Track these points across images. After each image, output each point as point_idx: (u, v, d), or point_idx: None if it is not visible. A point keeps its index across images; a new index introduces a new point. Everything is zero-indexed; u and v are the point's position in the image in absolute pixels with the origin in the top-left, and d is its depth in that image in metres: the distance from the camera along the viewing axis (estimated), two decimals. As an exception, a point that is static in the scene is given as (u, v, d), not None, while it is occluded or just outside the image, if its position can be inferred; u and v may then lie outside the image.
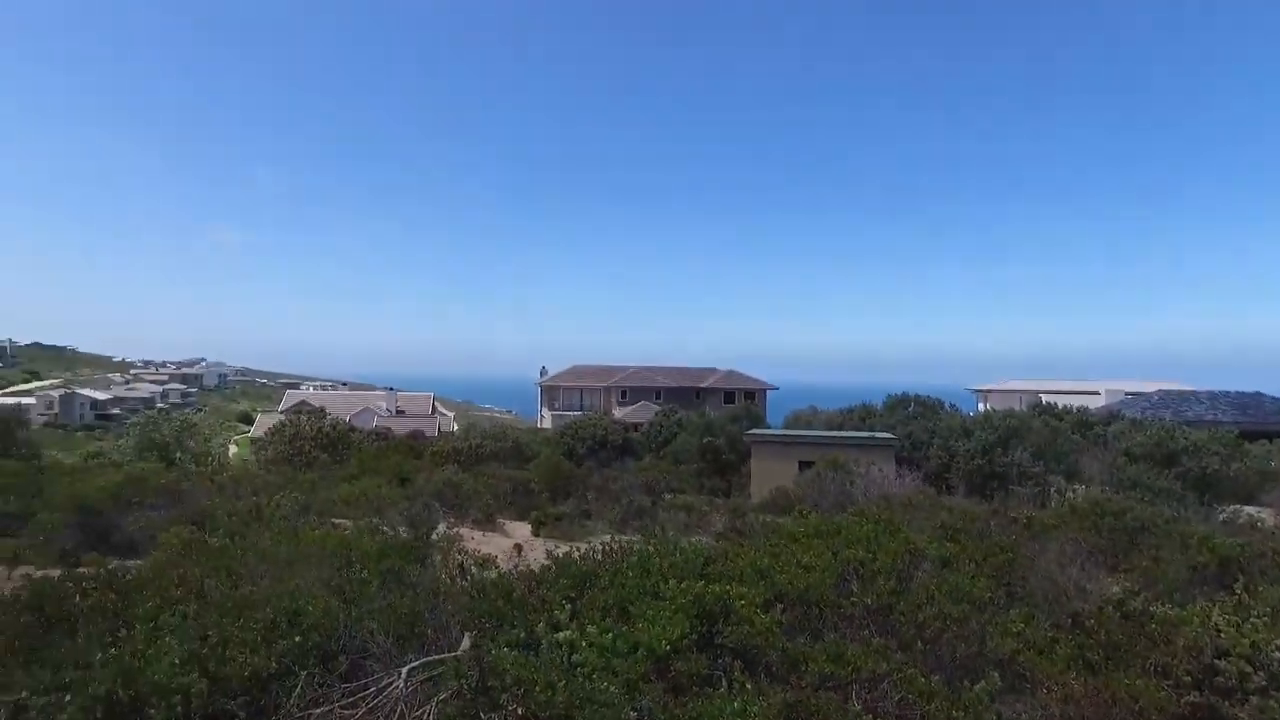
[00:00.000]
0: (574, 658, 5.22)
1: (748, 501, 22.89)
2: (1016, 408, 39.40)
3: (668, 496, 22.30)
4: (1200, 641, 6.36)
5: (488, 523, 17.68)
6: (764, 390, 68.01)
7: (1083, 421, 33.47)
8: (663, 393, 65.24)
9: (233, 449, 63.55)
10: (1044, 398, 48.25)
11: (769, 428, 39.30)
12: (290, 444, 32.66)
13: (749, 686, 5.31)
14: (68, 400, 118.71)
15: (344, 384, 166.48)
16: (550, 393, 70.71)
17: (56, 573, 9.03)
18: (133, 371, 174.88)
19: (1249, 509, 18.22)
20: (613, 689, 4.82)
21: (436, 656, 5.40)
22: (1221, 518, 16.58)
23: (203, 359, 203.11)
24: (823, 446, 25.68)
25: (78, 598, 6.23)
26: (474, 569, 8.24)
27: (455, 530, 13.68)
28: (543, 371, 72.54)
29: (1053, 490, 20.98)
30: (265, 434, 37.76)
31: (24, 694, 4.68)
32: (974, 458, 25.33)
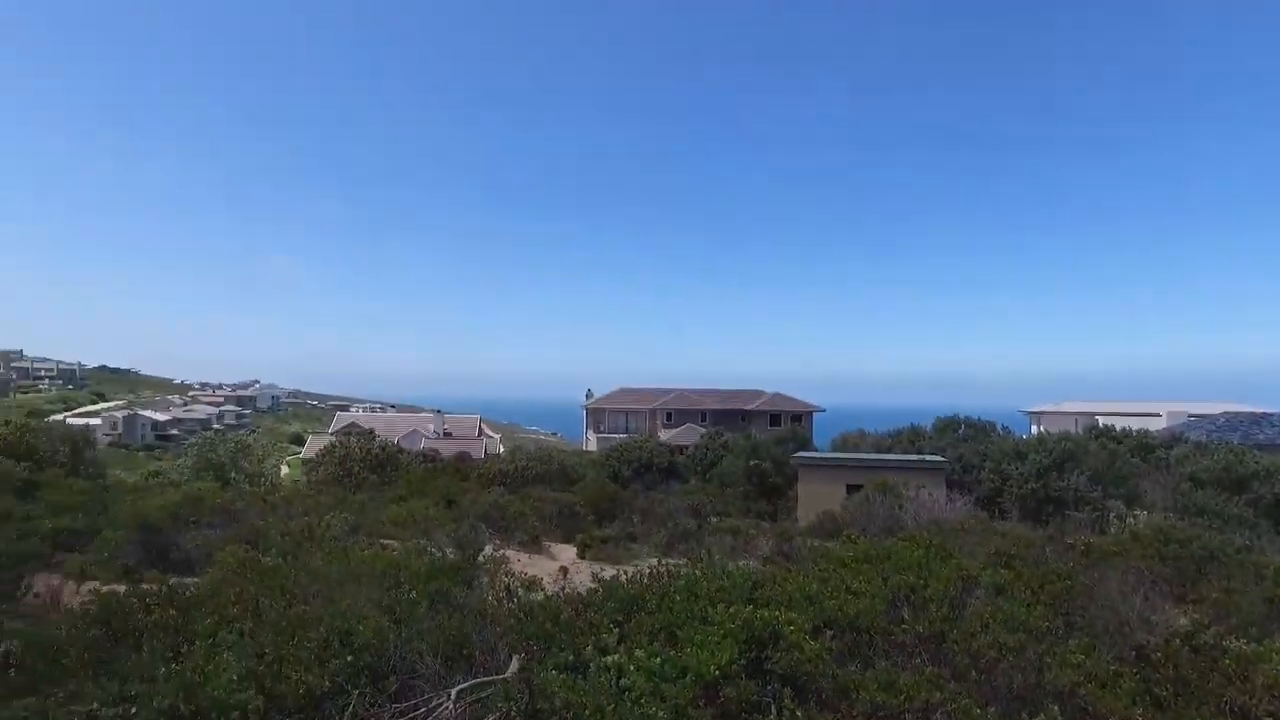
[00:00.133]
0: (622, 682, 5.19)
1: (795, 525, 22.60)
2: (1072, 430, 38.29)
3: (714, 520, 22.13)
4: (1280, 679, 6.05)
5: (533, 545, 17.74)
6: (810, 412, 67.25)
7: (1143, 444, 32.38)
8: (708, 415, 64.98)
9: (284, 469, 64.97)
10: (1101, 420, 46.76)
11: (816, 450, 38.82)
12: (340, 465, 33.26)
13: (799, 714, 5.22)
14: (130, 421, 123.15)
15: (392, 406, 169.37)
16: (596, 415, 70.95)
17: (120, 588, 9.34)
18: (191, 394, 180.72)
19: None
20: (661, 714, 4.79)
21: (485, 678, 5.43)
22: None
23: (256, 381, 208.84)
24: (871, 469, 25.27)
25: (141, 613, 6.43)
26: (520, 591, 8.29)
27: (501, 552, 13.76)
28: (588, 394, 72.88)
29: (1112, 516, 20.30)
30: (316, 455, 38.54)
31: (95, 705, 4.85)
32: (1028, 481, 24.65)
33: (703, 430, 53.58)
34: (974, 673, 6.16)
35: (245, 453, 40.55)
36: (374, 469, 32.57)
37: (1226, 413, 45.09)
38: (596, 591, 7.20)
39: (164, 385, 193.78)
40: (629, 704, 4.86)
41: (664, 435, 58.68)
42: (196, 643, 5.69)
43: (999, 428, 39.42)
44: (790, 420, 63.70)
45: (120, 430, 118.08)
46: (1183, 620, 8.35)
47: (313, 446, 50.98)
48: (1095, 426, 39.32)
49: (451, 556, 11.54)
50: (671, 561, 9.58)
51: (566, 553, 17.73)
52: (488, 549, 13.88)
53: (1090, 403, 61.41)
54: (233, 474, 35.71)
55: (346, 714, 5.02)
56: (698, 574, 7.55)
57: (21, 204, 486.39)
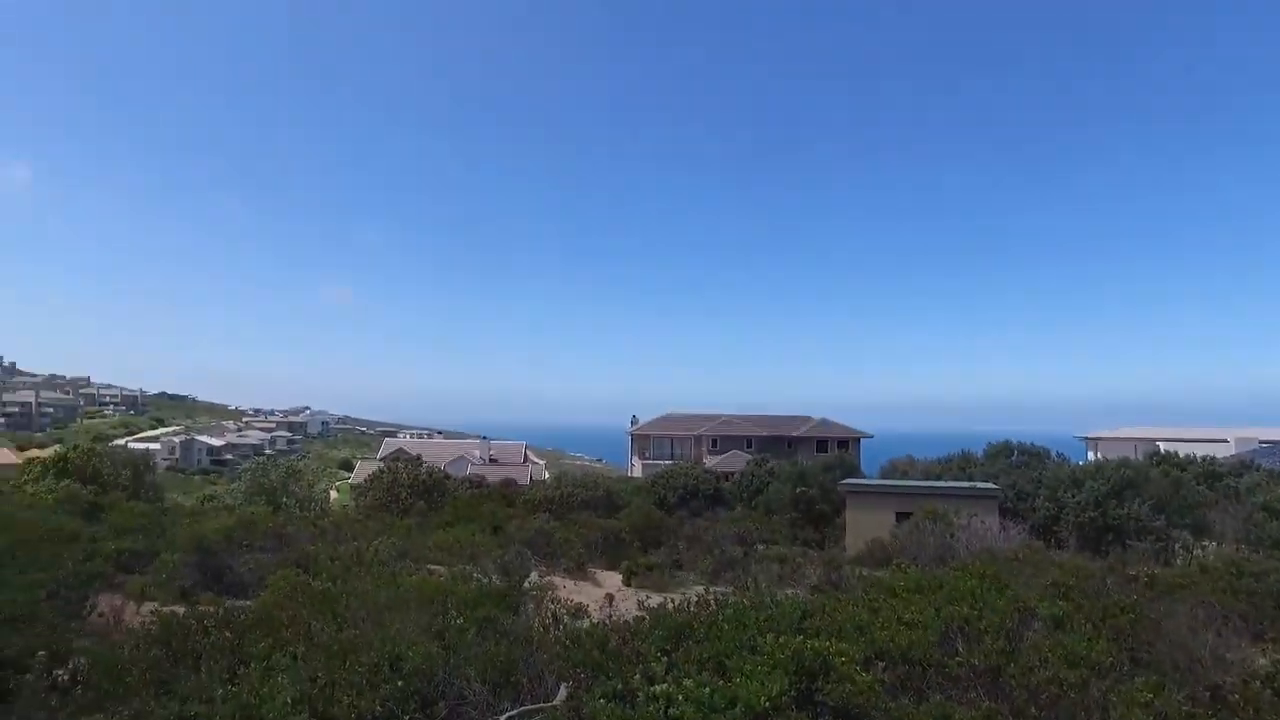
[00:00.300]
0: (671, 712, 5.14)
1: (843, 554, 22.19)
2: (1131, 457, 37.03)
3: (760, 547, 21.88)
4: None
5: (579, 571, 17.74)
6: (858, 439, 66.23)
7: (1210, 472, 31.15)
8: (754, 441, 64.44)
9: (334, 494, 66.15)
10: (1162, 446, 45.15)
11: (864, 477, 38.16)
12: (388, 491, 33.75)
13: (852, 749, 5.10)
14: (187, 446, 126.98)
15: (439, 432, 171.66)
16: (641, 441, 70.88)
17: (178, 609, 9.58)
18: (244, 419, 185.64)
19: None
20: (710, 746, 4.72)
21: (533, 706, 5.43)
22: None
23: (307, 408, 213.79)
24: (921, 497, 24.73)
25: (200, 635, 6.59)
26: (567, 618, 8.28)
27: (547, 579, 13.78)
28: (633, 420, 72.87)
29: (1177, 547, 19.51)
30: (365, 480, 39.20)
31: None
32: (1085, 510, 23.87)
33: (748, 457, 53.11)
34: (1033, 709, 5.95)
35: (296, 478, 41.37)
36: (421, 495, 32.98)
37: (1299, 439, 43.18)
38: (643, 619, 7.16)
39: (219, 411, 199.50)
40: (678, 734, 4.81)
41: (709, 462, 58.32)
42: (252, 665, 5.81)
43: (1053, 454, 38.33)
44: (837, 446, 62.80)
45: (178, 455, 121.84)
46: (1262, 660, 7.93)
47: (361, 472, 51.81)
48: (1156, 453, 37.98)
49: (498, 583, 11.60)
50: (718, 590, 9.49)
51: (612, 580, 17.67)
52: (533, 575, 13.92)
53: (1150, 428, 59.34)
54: (284, 498, 36.42)
55: (396, 739, 5.06)
56: (746, 603, 7.46)
57: (89, 239, 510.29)
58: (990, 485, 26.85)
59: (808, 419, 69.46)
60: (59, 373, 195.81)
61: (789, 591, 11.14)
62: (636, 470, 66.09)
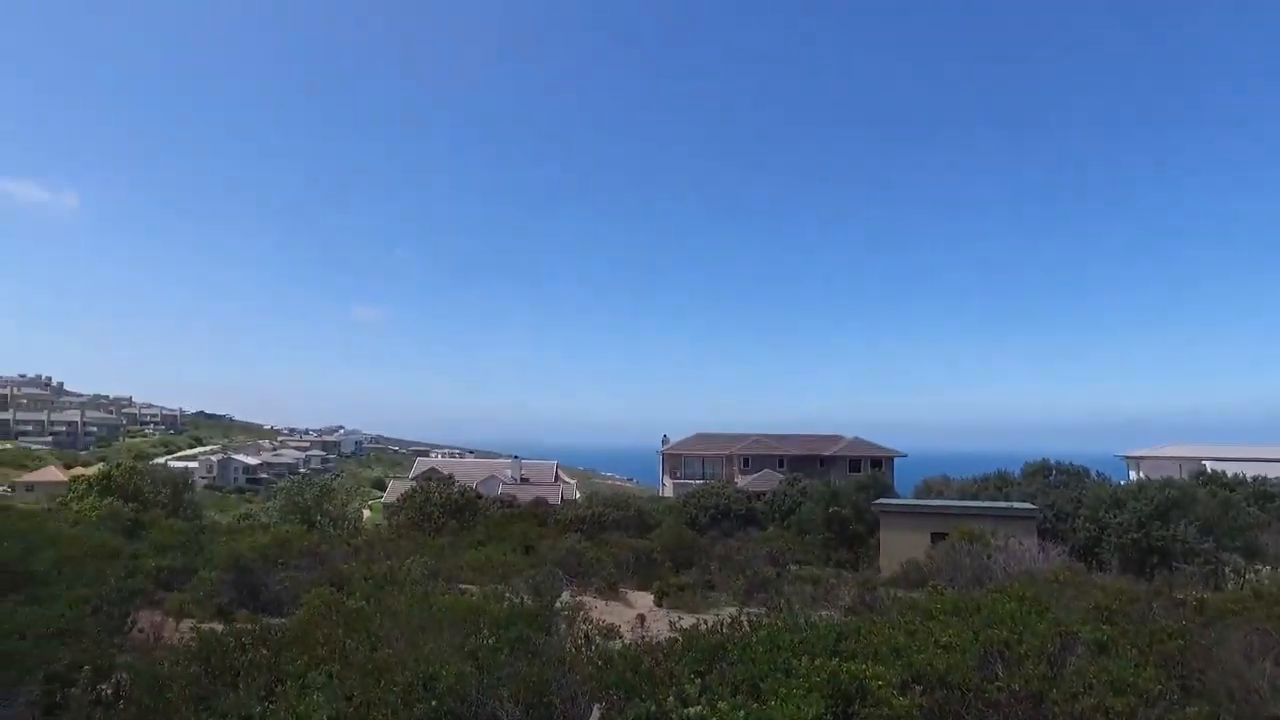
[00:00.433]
0: (705, 735, 5.09)
1: (877, 575, 21.86)
2: (1175, 476, 36.05)
3: (793, 568, 21.64)
4: None
5: (610, 592, 17.65)
6: (891, 458, 65.37)
7: (1261, 493, 30.24)
8: (786, 461, 63.94)
9: (366, 513, 66.73)
10: (1209, 465, 43.92)
11: (897, 497, 37.64)
12: (420, 510, 33.98)
13: (890, 776, 5.00)
14: (224, 465, 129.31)
15: (471, 452, 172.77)
16: (672, 461, 70.67)
17: (215, 626, 9.72)
18: (279, 438, 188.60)
19: None
20: (746, 770, 4.66)
21: (566, 727, 5.40)
22: None
23: (341, 427, 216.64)
24: (956, 517, 24.29)
25: (238, 652, 6.67)
26: (599, 639, 8.24)
27: (579, 599, 13.74)
28: (664, 439, 72.73)
29: (1228, 570, 18.90)
30: (397, 500, 39.52)
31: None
32: (1128, 531, 23.27)
33: (781, 476, 52.70)
34: (1079, 737, 5.79)
35: (330, 497, 41.80)
36: (453, 514, 33.15)
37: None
38: (676, 640, 7.11)
39: (255, 430, 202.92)
40: (712, 758, 4.75)
41: (741, 481, 57.95)
42: (288, 683, 5.86)
43: (1093, 474, 37.49)
44: (870, 466, 62.03)
45: (215, 473, 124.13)
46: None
47: (394, 491, 52.29)
48: (1203, 472, 36.96)
49: (529, 602, 11.60)
50: (751, 610, 9.40)
51: (644, 600, 17.56)
52: (565, 595, 13.89)
53: (1195, 446, 57.77)
54: (318, 517, 36.82)
55: (430, 759, 5.06)
56: (780, 624, 7.37)
57: (131, 263, 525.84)
58: (1028, 505, 26.30)
59: (840, 438, 68.78)
60: (103, 393, 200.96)
61: (823, 613, 10.99)
62: (668, 490, 65.85)
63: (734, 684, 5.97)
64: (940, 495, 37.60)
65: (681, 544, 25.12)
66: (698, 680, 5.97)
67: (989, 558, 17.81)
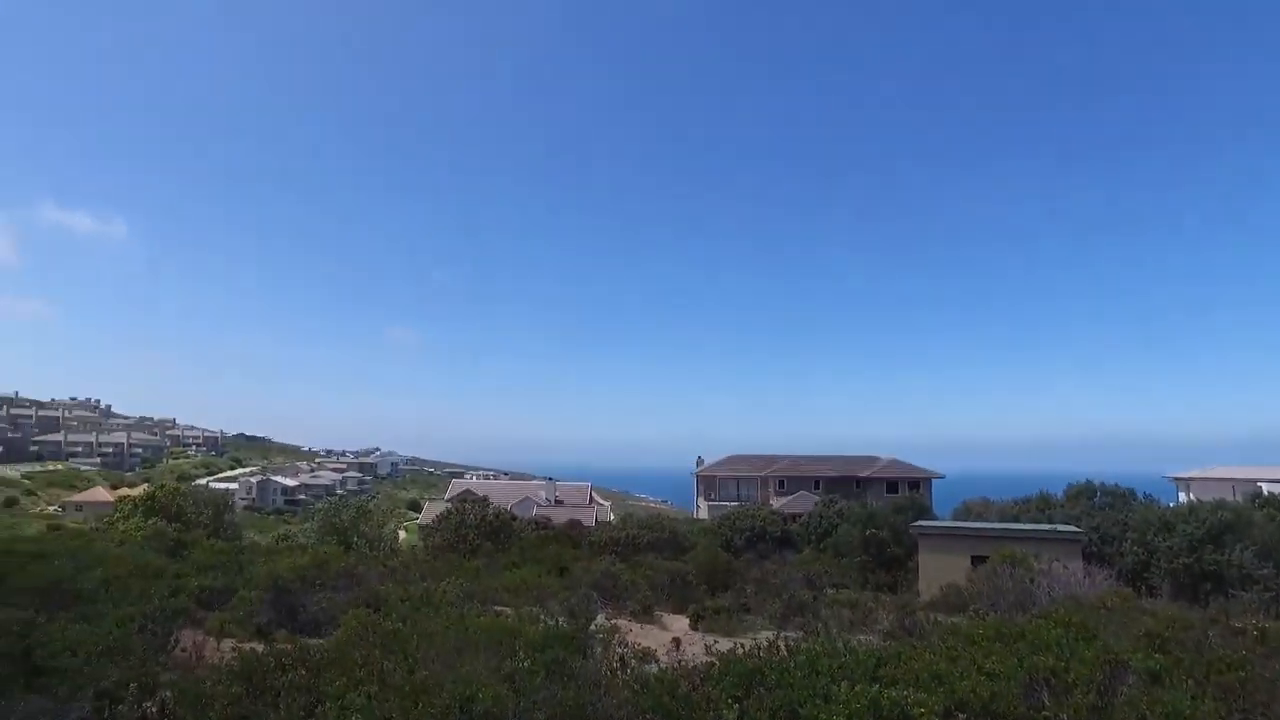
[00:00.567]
0: (743, 762, 5.01)
1: (916, 598, 21.43)
2: (1228, 498, 34.88)
3: (830, 591, 21.31)
4: None
5: (645, 614, 17.53)
6: (928, 479, 64.25)
7: (1318, 516, 29.03)
8: (822, 482, 63.22)
9: (402, 534, 67.27)
10: (1265, 487, 42.42)
11: (936, 519, 36.94)
12: (455, 531, 34.13)
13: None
14: (263, 486, 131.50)
15: (505, 473, 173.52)
16: (707, 482, 70.27)
17: (255, 645, 9.84)
18: (317, 460, 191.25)
19: None
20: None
21: (603, 751, 5.37)
22: None
23: (377, 449, 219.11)
24: (998, 540, 23.76)
25: (278, 672, 6.75)
26: (635, 662, 8.18)
27: (613, 621, 13.67)
28: (699, 461, 72.38)
29: (1285, 597, 18.19)
30: (432, 521, 39.78)
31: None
32: (1179, 555, 22.56)
33: (816, 498, 52.10)
34: (1133, 770, 5.60)
35: (366, 518, 42.26)
36: (488, 535, 33.23)
37: None
38: (713, 665, 7.03)
39: (293, 452, 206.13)
40: (752, 786, 4.68)
41: (776, 503, 57.36)
42: (328, 704, 5.90)
43: (1139, 495, 36.44)
44: (907, 487, 61.04)
45: (254, 494, 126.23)
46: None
47: (429, 513, 52.67)
48: (1258, 494, 35.71)
49: (564, 625, 11.56)
50: (788, 634, 9.27)
51: (679, 623, 17.41)
52: (600, 618, 13.82)
53: (1249, 467, 55.85)
54: (354, 538, 37.21)
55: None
56: (818, 649, 7.26)
57: (175, 289, 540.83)
58: (1072, 528, 25.64)
59: (876, 459, 67.84)
60: (148, 415, 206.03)
61: (861, 637, 10.79)
62: (702, 512, 65.42)
63: (772, 709, 5.89)
64: (980, 517, 36.81)
65: (717, 566, 24.90)
66: (735, 705, 5.90)
67: (1032, 582, 17.38)
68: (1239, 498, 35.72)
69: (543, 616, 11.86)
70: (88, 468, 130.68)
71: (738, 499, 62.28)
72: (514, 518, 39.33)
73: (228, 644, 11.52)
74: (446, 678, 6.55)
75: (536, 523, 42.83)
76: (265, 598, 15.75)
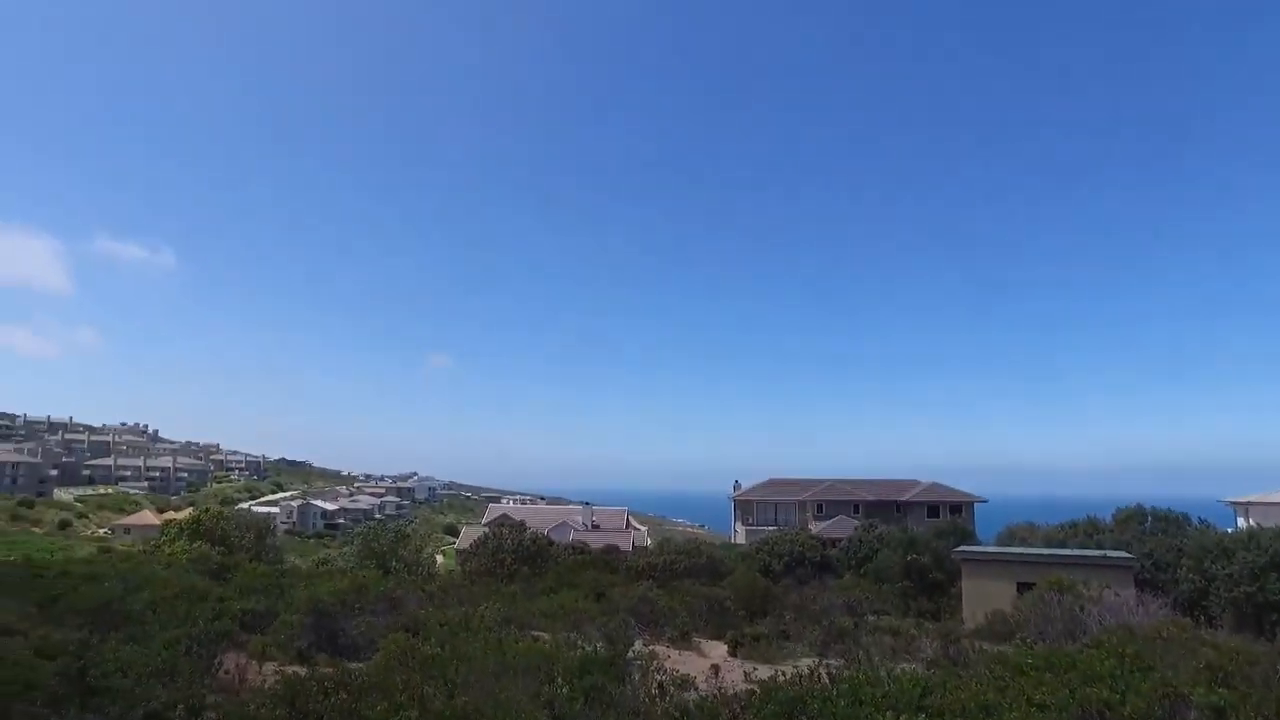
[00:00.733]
0: (786, 793, 4.92)
1: (960, 626, 20.89)
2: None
3: (871, 618, 20.89)
4: None
5: (683, 641, 17.35)
6: (970, 503, 62.86)
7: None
8: (861, 506, 62.27)
9: (440, 559, 67.66)
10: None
11: (979, 544, 36.08)
12: (493, 556, 34.23)
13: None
14: (304, 510, 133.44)
15: (542, 498, 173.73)
16: (744, 507, 69.59)
17: (296, 669, 9.94)
18: (356, 485, 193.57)
19: None
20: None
21: (643, 780, 5.31)
22: None
23: (415, 473, 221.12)
24: (1045, 566, 23.11)
25: (320, 696, 6.81)
26: (674, 689, 8.10)
27: (651, 647, 13.56)
28: (736, 485, 71.77)
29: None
30: (470, 545, 39.94)
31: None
32: (1239, 584, 21.69)
33: (856, 522, 51.28)
34: (1195, 808, 5.37)
35: (404, 542, 42.56)
36: (525, 560, 33.27)
37: None
38: (754, 693, 6.93)
39: (333, 477, 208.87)
40: (795, 818, 4.59)
41: (815, 528, 56.56)
42: (369, 728, 5.93)
43: (1194, 520, 35.20)
44: (949, 512, 59.78)
45: (295, 518, 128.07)
46: None
47: (467, 537, 52.91)
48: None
49: (602, 650, 11.50)
50: (829, 662, 9.10)
51: (717, 650, 17.19)
52: (638, 644, 13.71)
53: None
54: (393, 562, 37.48)
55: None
56: (861, 677, 7.12)
57: (220, 317, 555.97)
58: (1124, 554, 24.84)
59: (916, 483, 66.62)
60: (194, 439, 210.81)
61: (904, 666, 10.55)
62: (740, 537, 64.74)
63: (815, 740, 5.78)
64: (1025, 543, 35.86)
65: (755, 592, 24.59)
66: (778, 735, 5.81)
67: (1081, 610, 16.85)
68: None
69: (580, 642, 11.81)
70: (136, 491, 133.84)
71: (775, 523, 61.53)
72: (551, 542, 39.34)
73: (270, 667, 11.65)
74: (486, 703, 6.55)
75: (574, 547, 42.79)
76: (306, 621, 15.90)
